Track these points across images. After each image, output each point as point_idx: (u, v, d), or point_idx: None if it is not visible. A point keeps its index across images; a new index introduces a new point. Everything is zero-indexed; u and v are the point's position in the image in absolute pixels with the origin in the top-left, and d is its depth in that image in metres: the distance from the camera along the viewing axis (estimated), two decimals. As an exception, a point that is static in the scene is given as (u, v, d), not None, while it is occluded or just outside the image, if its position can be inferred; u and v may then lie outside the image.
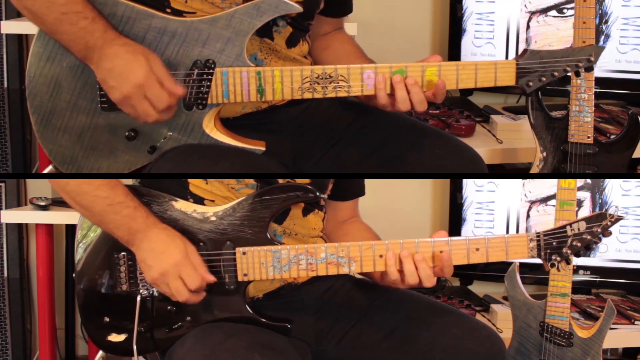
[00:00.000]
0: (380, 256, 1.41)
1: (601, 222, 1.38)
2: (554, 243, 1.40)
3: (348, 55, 1.64)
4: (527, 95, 1.45)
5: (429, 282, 1.39)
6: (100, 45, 1.37)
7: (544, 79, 1.42)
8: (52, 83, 1.45)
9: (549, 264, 1.40)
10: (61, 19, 1.36)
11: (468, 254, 1.40)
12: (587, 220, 1.39)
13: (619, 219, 1.39)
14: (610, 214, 1.38)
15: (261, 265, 1.42)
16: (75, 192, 1.42)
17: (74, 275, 1.49)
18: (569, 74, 1.43)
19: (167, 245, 1.38)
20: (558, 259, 1.40)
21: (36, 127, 1.49)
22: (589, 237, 1.39)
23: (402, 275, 1.40)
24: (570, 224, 1.40)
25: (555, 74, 1.42)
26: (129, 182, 1.53)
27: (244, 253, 1.42)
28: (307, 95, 1.44)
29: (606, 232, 1.39)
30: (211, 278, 1.40)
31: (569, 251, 1.40)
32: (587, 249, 1.40)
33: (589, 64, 1.42)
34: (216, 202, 1.46)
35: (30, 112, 1.48)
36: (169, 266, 1.38)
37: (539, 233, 1.40)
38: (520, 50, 2.30)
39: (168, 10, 1.44)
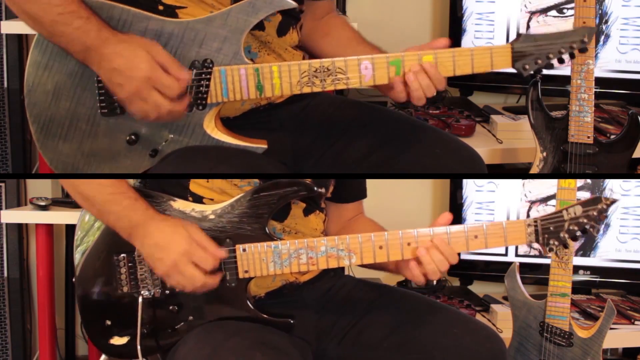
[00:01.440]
0: (380, 247, 1.41)
1: (597, 205, 1.40)
2: (551, 228, 1.41)
3: (349, 41, 1.63)
4: (524, 77, 1.47)
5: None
6: (97, 45, 1.37)
7: (539, 61, 1.44)
8: (50, 91, 1.46)
9: (548, 249, 1.41)
10: (57, 20, 1.36)
11: (467, 242, 1.41)
12: (583, 204, 1.40)
13: (614, 201, 1.41)
14: (605, 197, 1.40)
15: (262, 261, 1.42)
16: (79, 180, 1.42)
17: (73, 279, 1.49)
18: (563, 56, 1.44)
19: (171, 235, 1.38)
20: (556, 243, 1.41)
21: (36, 136, 1.49)
22: (585, 220, 1.40)
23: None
24: (566, 209, 1.41)
25: (551, 55, 1.44)
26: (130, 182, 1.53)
27: (244, 250, 1.42)
28: (306, 90, 1.44)
29: (602, 215, 1.40)
30: (222, 253, 1.40)
31: (566, 235, 1.41)
32: (583, 232, 1.41)
33: (582, 44, 1.43)
34: (215, 200, 1.46)
35: (30, 121, 1.48)
36: (178, 255, 1.37)
37: (536, 218, 1.41)
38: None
39: (160, 7, 1.44)
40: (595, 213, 1.40)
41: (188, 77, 1.40)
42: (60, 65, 1.44)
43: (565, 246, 1.42)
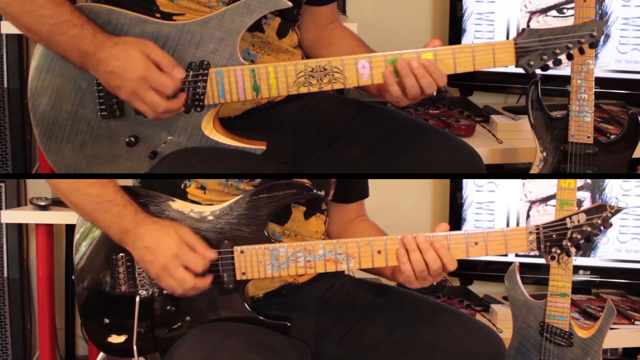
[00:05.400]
0: (379, 252, 1.41)
1: (601, 213, 1.37)
2: (553, 235, 1.38)
3: (353, 49, 1.63)
4: (529, 75, 1.40)
5: (436, 264, 1.38)
6: (93, 50, 1.38)
7: (545, 57, 1.38)
8: (52, 94, 1.46)
9: (549, 257, 1.38)
10: (52, 30, 1.38)
11: (467, 248, 1.39)
12: (587, 212, 1.37)
13: (619, 210, 1.37)
14: (610, 205, 1.36)
15: (259, 264, 1.42)
16: (69, 190, 1.43)
17: (73, 277, 1.49)
18: (571, 51, 1.38)
19: (160, 238, 1.39)
20: (558, 251, 1.38)
21: (39, 138, 1.49)
22: (589, 228, 1.37)
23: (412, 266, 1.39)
24: (570, 217, 1.38)
25: (557, 51, 1.38)
26: (129, 184, 1.53)
27: (242, 252, 1.42)
28: (303, 90, 1.44)
29: (606, 224, 1.37)
30: (212, 254, 1.40)
31: (569, 243, 1.38)
32: (587, 240, 1.38)
33: (592, 39, 1.37)
34: (214, 203, 1.46)
35: (34, 124, 1.49)
36: (168, 258, 1.37)
37: (538, 226, 1.39)
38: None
39: (157, 15, 1.45)
40: (599, 221, 1.36)
41: (182, 75, 1.40)
42: (62, 68, 1.45)
43: (568, 254, 1.38)
